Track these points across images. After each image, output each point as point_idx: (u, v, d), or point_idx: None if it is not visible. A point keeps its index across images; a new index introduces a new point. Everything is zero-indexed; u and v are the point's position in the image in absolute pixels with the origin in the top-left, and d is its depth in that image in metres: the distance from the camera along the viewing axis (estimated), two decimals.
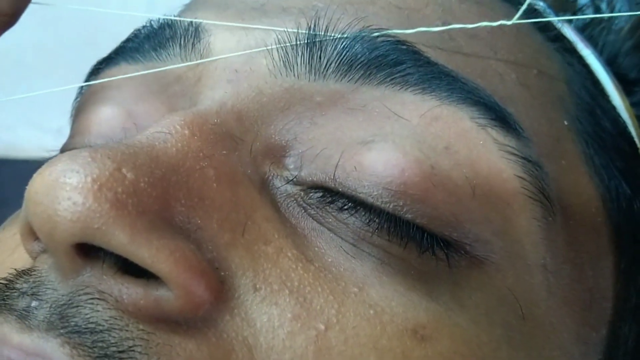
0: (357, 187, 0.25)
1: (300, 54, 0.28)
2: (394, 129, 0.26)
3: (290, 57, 0.28)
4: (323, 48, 0.27)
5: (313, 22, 0.28)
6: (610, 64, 0.35)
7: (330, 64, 0.27)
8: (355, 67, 0.27)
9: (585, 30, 0.36)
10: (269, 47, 0.28)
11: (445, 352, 0.24)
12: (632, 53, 0.36)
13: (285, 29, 0.28)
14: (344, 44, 0.27)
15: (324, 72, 0.27)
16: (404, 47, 0.27)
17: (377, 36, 0.27)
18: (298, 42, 0.28)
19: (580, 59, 0.34)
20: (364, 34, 0.27)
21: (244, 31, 0.29)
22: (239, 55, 0.29)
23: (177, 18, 0.31)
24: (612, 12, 0.36)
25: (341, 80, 0.27)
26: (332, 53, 0.27)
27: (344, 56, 0.27)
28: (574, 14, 0.36)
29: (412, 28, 0.28)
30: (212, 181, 0.25)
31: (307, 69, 0.27)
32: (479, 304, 0.25)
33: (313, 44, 0.27)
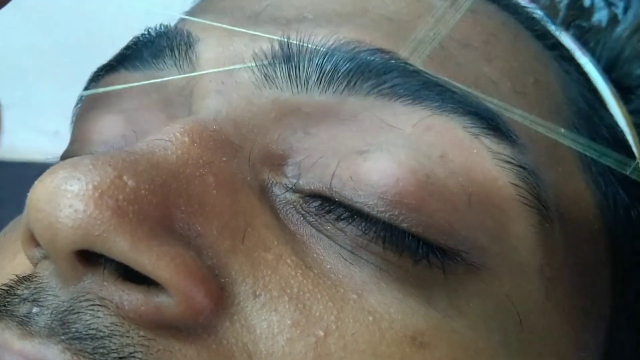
0: (353, 197, 0.25)
1: (278, 67, 0.27)
2: (389, 138, 0.26)
3: (269, 70, 0.28)
4: (301, 61, 0.27)
5: (286, 35, 0.28)
6: (608, 72, 0.35)
7: (311, 76, 0.27)
8: (337, 79, 0.27)
9: (583, 38, 0.37)
10: (242, 65, 0.28)
11: (443, 358, 0.24)
12: (629, 61, 0.36)
13: (262, 50, 0.28)
14: (321, 56, 0.27)
15: (306, 85, 0.27)
16: (386, 56, 0.27)
17: (355, 47, 0.27)
18: (275, 55, 0.28)
19: (578, 67, 0.34)
20: (342, 46, 0.27)
21: (230, 41, 0.29)
22: (223, 65, 0.29)
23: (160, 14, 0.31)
24: (615, 17, 0.36)
25: (325, 92, 0.27)
26: (311, 66, 0.27)
27: (324, 68, 0.27)
28: (573, 21, 0.37)
29: (402, 39, 0.28)
30: (212, 188, 0.25)
31: (288, 82, 0.27)
32: (477, 310, 0.25)
33: (289, 57, 0.27)
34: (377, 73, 0.27)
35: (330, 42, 0.27)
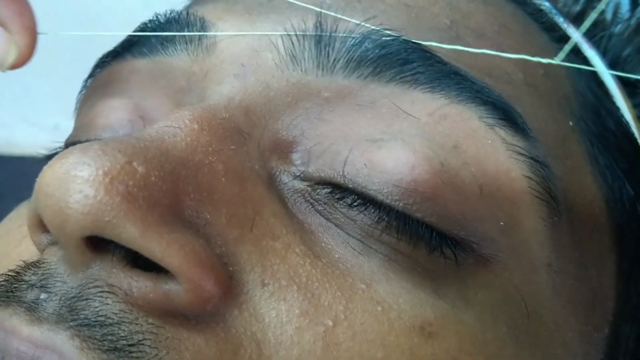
0: (367, 184, 0.25)
1: (307, 48, 0.28)
2: (403, 127, 0.26)
3: (297, 51, 0.28)
4: (331, 44, 0.27)
5: (322, 18, 0.28)
6: (614, 66, 0.35)
7: (339, 60, 0.27)
8: (365, 64, 0.27)
9: (590, 32, 0.37)
10: (277, 34, 0.28)
11: (451, 349, 0.24)
12: (635, 55, 0.36)
13: (294, 31, 0.28)
14: (353, 41, 0.27)
15: (332, 68, 0.27)
16: (413, 45, 0.27)
17: (387, 35, 0.27)
18: (305, 37, 0.28)
19: (585, 60, 0.34)
20: (373, 32, 0.27)
21: (250, 25, 0.29)
22: (245, 49, 0.29)
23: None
24: (616, 13, 0.36)
25: (349, 76, 0.27)
26: (341, 49, 0.27)
27: (353, 53, 0.27)
28: (579, 15, 0.37)
29: (420, 26, 0.28)
30: (221, 176, 0.25)
31: (315, 64, 0.27)
32: (485, 302, 0.26)
33: (321, 39, 0.27)
34: (403, 62, 0.27)
35: (362, 27, 0.27)
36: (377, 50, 0.27)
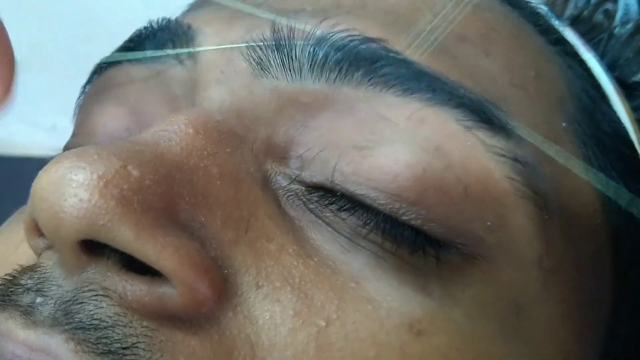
0: (355, 190, 0.25)
1: (271, 55, 0.28)
2: (385, 133, 0.26)
3: (263, 59, 0.28)
4: (292, 49, 0.27)
5: (277, 25, 0.28)
6: (612, 68, 0.35)
7: (303, 64, 0.27)
8: (329, 67, 0.27)
9: (587, 34, 0.37)
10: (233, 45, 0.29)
11: (441, 346, 0.24)
12: (633, 57, 0.36)
13: (256, 39, 0.28)
14: (312, 43, 0.27)
15: (299, 73, 0.27)
16: (375, 45, 0.27)
17: (346, 36, 0.27)
18: (266, 44, 0.28)
19: (582, 63, 0.34)
20: (332, 35, 0.27)
21: (227, 32, 0.29)
22: (221, 57, 0.29)
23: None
24: (614, 16, 0.36)
25: (318, 80, 0.27)
26: (303, 54, 0.27)
27: (315, 56, 0.27)
28: (576, 18, 0.37)
29: (397, 31, 0.28)
30: (216, 179, 0.25)
31: (282, 70, 0.27)
32: (473, 299, 0.26)
33: (280, 44, 0.27)
34: (367, 62, 0.27)
35: (321, 30, 0.27)
36: (337, 52, 0.27)
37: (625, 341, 0.32)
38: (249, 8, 0.29)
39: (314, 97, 0.27)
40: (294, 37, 0.27)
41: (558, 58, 0.33)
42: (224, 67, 0.28)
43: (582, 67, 0.34)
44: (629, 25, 0.37)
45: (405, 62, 0.27)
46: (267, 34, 0.28)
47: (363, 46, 0.27)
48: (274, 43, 0.28)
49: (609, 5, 0.38)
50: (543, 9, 0.35)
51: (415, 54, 0.27)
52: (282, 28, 0.28)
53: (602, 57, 0.36)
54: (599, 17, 0.37)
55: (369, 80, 0.27)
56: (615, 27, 0.37)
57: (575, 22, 0.36)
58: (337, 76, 0.27)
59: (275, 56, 0.27)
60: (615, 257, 0.31)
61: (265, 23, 0.28)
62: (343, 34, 0.27)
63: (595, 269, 0.30)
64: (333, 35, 0.27)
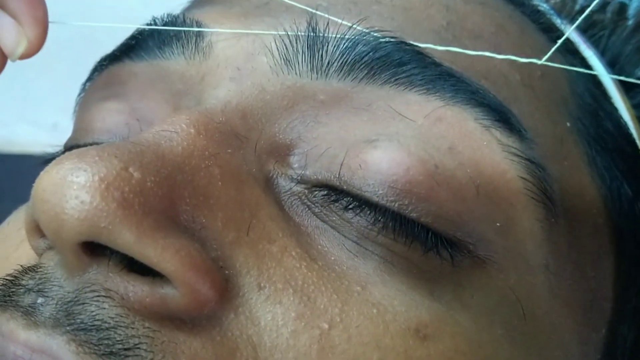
0: (362, 186, 0.25)
1: (300, 51, 0.27)
2: (399, 129, 0.26)
3: (290, 55, 0.28)
4: (324, 47, 0.27)
5: (314, 20, 0.28)
6: (612, 66, 0.35)
7: (333, 63, 0.27)
8: (359, 67, 0.27)
9: (588, 31, 0.37)
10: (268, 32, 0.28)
11: (447, 351, 0.24)
12: (633, 55, 0.36)
13: (286, 32, 0.28)
14: (346, 44, 0.27)
15: (326, 71, 0.27)
16: (407, 47, 0.27)
17: (379, 37, 0.27)
18: (298, 40, 0.28)
19: (583, 61, 0.34)
20: (365, 35, 0.27)
21: (245, 29, 0.29)
22: (240, 52, 0.29)
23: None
24: (616, 14, 0.36)
25: (344, 79, 0.27)
26: (335, 52, 0.27)
27: (347, 56, 0.27)
28: (577, 15, 0.37)
29: (416, 28, 0.28)
30: (217, 180, 0.25)
31: (309, 67, 0.27)
32: (481, 303, 0.26)
33: (314, 42, 0.27)
34: (397, 64, 0.27)
35: (355, 30, 0.27)
36: (370, 53, 0.27)
37: (626, 341, 0.32)
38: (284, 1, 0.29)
39: (333, 95, 0.27)
40: (329, 32, 0.27)
41: (560, 56, 0.33)
42: (242, 64, 0.28)
43: (583, 65, 0.34)
44: (630, 22, 0.37)
45: (433, 64, 0.27)
46: (303, 25, 0.28)
47: (394, 48, 0.27)
48: (306, 41, 0.28)
49: (610, 2, 0.38)
50: (544, 7, 0.35)
51: (435, 53, 0.27)
52: (319, 23, 0.28)
53: (602, 54, 0.36)
54: (599, 14, 0.37)
55: (395, 80, 0.27)
56: (615, 24, 0.37)
57: (576, 20, 0.36)
58: (364, 76, 0.27)
59: (305, 53, 0.27)
60: (618, 256, 0.31)
61: (286, 20, 0.28)
62: (375, 35, 0.27)
63: (597, 268, 0.30)
64: (366, 36, 0.27)
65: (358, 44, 0.27)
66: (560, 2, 0.37)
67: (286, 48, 0.28)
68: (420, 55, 0.27)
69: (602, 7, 0.37)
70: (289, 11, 0.29)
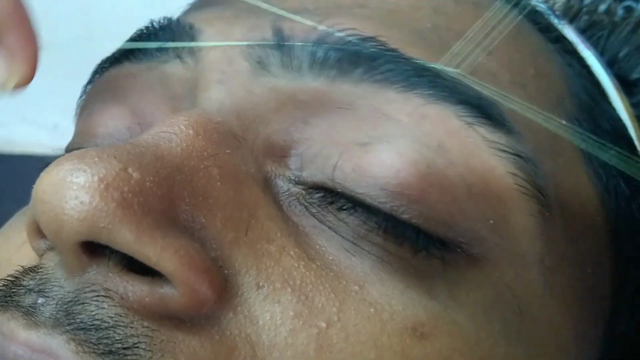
0: (355, 188, 0.26)
1: (271, 54, 0.28)
2: (387, 129, 0.26)
3: (262, 57, 0.28)
4: (293, 48, 0.27)
5: (277, 24, 0.28)
6: (611, 65, 0.36)
7: (303, 63, 0.27)
8: (329, 65, 0.27)
9: (587, 31, 0.37)
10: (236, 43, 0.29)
11: (444, 349, 0.24)
12: (633, 54, 0.37)
13: (256, 38, 0.28)
14: (311, 44, 0.27)
15: (299, 71, 0.27)
16: (374, 42, 0.27)
17: (345, 35, 0.27)
18: (266, 43, 0.28)
19: (581, 60, 0.34)
20: (332, 33, 0.27)
21: (230, 31, 0.29)
22: (223, 56, 0.29)
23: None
24: (613, 14, 0.36)
25: (318, 78, 0.27)
26: (302, 52, 0.27)
27: (315, 54, 0.27)
28: (575, 16, 0.37)
29: (400, 29, 0.28)
30: (216, 180, 0.25)
31: (281, 68, 0.27)
32: (477, 301, 0.26)
33: (279, 45, 0.28)
34: (367, 59, 0.27)
35: (321, 30, 0.27)
36: (337, 51, 0.27)
37: (623, 339, 0.32)
38: (253, 4, 0.29)
39: (313, 95, 0.27)
40: (294, 37, 0.28)
41: (557, 56, 0.33)
42: (226, 67, 0.28)
43: (581, 65, 0.34)
44: (629, 22, 0.37)
45: (405, 59, 0.27)
46: (268, 33, 0.28)
47: (363, 44, 0.27)
48: (274, 42, 0.28)
49: (609, 2, 0.38)
50: (542, 7, 0.35)
51: (410, 49, 0.27)
52: (282, 27, 0.28)
53: (601, 53, 0.36)
54: (598, 14, 0.38)
55: (370, 77, 0.27)
56: (615, 24, 0.37)
57: (574, 20, 0.36)
58: (336, 73, 0.27)
59: (274, 54, 0.28)
60: (615, 254, 0.31)
61: (266, 23, 0.29)
62: (343, 33, 0.27)
63: (594, 266, 0.30)
64: (333, 35, 0.27)
65: (323, 42, 0.27)
66: (558, 2, 0.37)
67: (258, 53, 0.28)
68: (390, 51, 0.27)
69: (601, 7, 0.37)
70: (262, 13, 0.29)
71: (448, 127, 0.26)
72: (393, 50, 0.27)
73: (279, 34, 0.28)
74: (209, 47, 0.29)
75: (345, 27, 0.28)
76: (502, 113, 0.27)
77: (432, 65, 0.27)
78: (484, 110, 0.27)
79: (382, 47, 0.27)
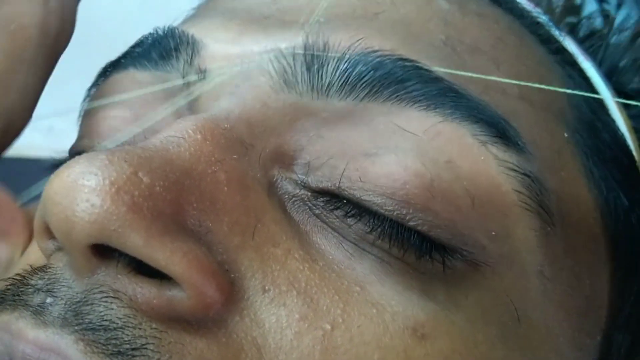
0: (361, 196, 0.26)
1: (299, 73, 0.27)
2: (398, 142, 0.26)
3: (289, 76, 0.27)
4: (324, 68, 0.27)
5: (310, 40, 0.28)
6: (609, 77, 0.36)
7: (333, 84, 0.27)
8: (360, 87, 0.27)
9: (586, 42, 0.37)
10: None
11: (444, 350, 0.25)
12: (631, 65, 0.37)
13: (280, 56, 0.28)
14: (346, 64, 0.27)
15: (327, 92, 0.27)
16: (408, 64, 0.27)
17: (379, 55, 0.27)
18: (296, 61, 0.27)
19: (581, 72, 0.35)
20: (365, 54, 0.27)
21: (238, 44, 0.29)
22: (237, 74, 0.28)
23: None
24: (612, 24, 0.37)
25: (346, 99, 0.27)
26: (334, 73, 0.27)
27: (347, 76, 0.27)
28: (576, 25, 0.37)
29: (415, 43, 0.28)
30: (223, 185, 0.25)
31: (309, 88, 0.27)
32: (475, 304, 0.26)
33: (312, 63, 0.27)
34: (399, 81, 0.27)
35: (354, 50, 0.27)
36: (371, 72, 0.27)
37: (621, 349, 0.32)
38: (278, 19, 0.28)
39: (335, 112, 0.27)
40: (327, 53, 0.27)
41: (558, 67, 0.34)
42: (240, 82, 0.28)
43: (581, 76, 0.34)
44: (627, 33, 0.38)
45: (435, 80, 0.27)
46: (299, 46, 0.28)
47: (395, 65, 0.27)
48: (304, 62, 0.27)
49: (607, 13, 0.38)
50: (543, 18, 0.35)
51: (435, 68, 0.27)
52: (315, 42, 0.28)
53: (600, 64, 0.36)
54: (597, 25, 0.38)
55: (397, 96, 0.27)
56: (613, 35, 0.38)
57: (574, 31, 0.37)
58: (366, 95, 0.27)
59: (304, 74, 0.27)
60: (613, 265, 0.31)
61: (281, 40, 0.28)
62: (376, 54, 0.27)
63: (593, 276, 0.30)
64: (365, 55, 0.27)
65: (358, 63, 0.27)
66: (558, 13, 0.37)
67: (284, 70, 0.28)
68: (421, 71, 0.27)
69: (600, 18, 0.38)
70: (285, 28, 0.29)
71: (461, 145, 0.26)
72: (424, 70, 0.27)
73: (310, 49, 0.27)
74: (219, 66, 0.29)
75: (369, 45, 0.27)
76: (517, 132, 0.28)
77: (457, 87, 0.27)
78: (499, 129, 0.27)
79: (414, 68, 0.27)
